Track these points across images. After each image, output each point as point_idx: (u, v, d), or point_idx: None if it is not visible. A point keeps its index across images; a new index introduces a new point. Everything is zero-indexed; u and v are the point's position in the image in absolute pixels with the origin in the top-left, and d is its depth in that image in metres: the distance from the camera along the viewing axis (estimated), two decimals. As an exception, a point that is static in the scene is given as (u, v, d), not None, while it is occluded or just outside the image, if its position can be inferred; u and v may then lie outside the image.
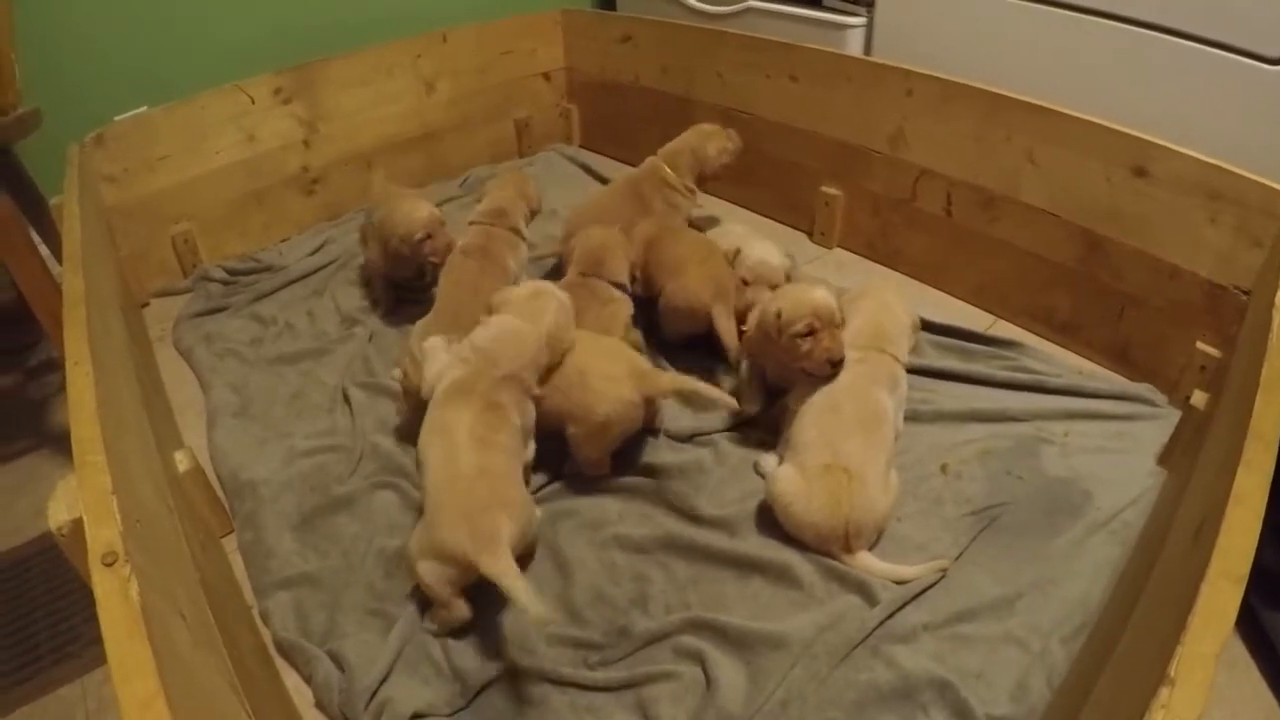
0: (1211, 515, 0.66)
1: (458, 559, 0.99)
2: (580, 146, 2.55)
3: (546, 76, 2.46)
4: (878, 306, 1.36)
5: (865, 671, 0.98)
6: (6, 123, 1.45)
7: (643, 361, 1.29)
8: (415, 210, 1.57)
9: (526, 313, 1.22)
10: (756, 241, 1.56)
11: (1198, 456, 0.96)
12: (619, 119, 2.39)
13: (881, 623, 1.03)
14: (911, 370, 1.34)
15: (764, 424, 1.35)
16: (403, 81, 2.16)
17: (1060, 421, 1.34)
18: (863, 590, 1.07)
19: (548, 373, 1.22)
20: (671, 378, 1.31)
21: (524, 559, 1.12)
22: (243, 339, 1.68)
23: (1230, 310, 1.30)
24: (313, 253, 1.96)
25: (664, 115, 2.17)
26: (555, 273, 1.82)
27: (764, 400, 1.36)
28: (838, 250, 1.94)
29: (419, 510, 1.18)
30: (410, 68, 2.16)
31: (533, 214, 1.76)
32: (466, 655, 1.04)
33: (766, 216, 2.08)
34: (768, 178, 2.01)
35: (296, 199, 2.07)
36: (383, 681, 1.01)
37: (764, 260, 1.49)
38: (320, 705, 1.01)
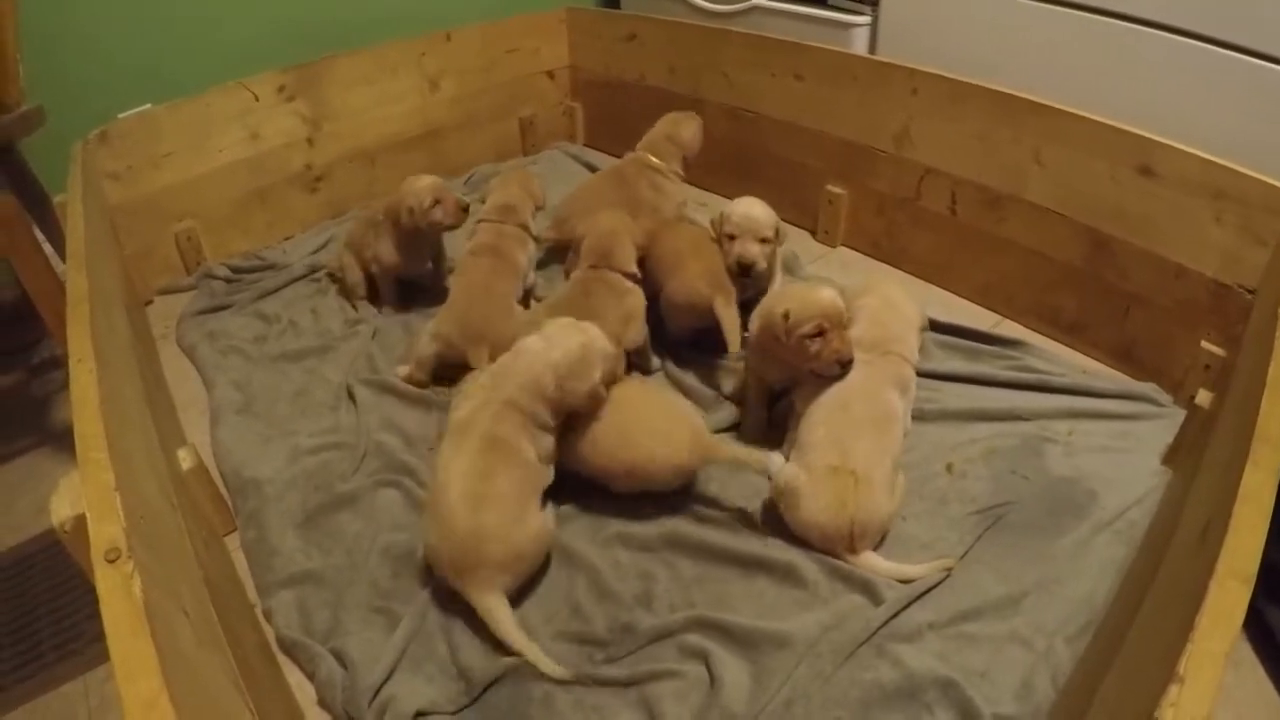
0: (1219, 514, 0.66)
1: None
2: (585, 145, 2.55)
3: (551, 75, 2.46)
4: (883, 305, 1.35)
5: (870, 671, 0.98)
6: (10, 120, 1.45)
7: (702, 424, 1.24)
8: (417, 181, 1.62)
9: (546, 338, 1.16)
10: (741, 200, 1.52)
11: (1203, 456, 0.96)
12: (623, 117, 2.38)
13: (886, 622, 1.03)
14: (917, 371, 1.33)
15: (769, 422, 1.35)
16: (407, 80, 2.16)
17: (1065, 421, 1.34)
18: (867, 589, 1.07)
19: (578, 419, 1.18)
20: (731, 450, 1.21)
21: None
22: (246, 336, 1.69)
23: (1235, 309, 1.30)
24: (316, 250, 1.97)
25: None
26: (550, 261, 1.82)
27: (765, 426, 1.35)
28: (842, 249, 1.93)
29: (422, 508, 1.18)
30: (415, 66, 2.16)
31: (537, 210, 1.76)
32: (471, 653, 1.04)
33: (770, 215, 2.08)
34: (772, 176, 2.01)
35: (300, 197, 2.07)
36: (386, 679, 1.01)
37: (747, 214, 1.47)
38: (323, 703, 1.01)
